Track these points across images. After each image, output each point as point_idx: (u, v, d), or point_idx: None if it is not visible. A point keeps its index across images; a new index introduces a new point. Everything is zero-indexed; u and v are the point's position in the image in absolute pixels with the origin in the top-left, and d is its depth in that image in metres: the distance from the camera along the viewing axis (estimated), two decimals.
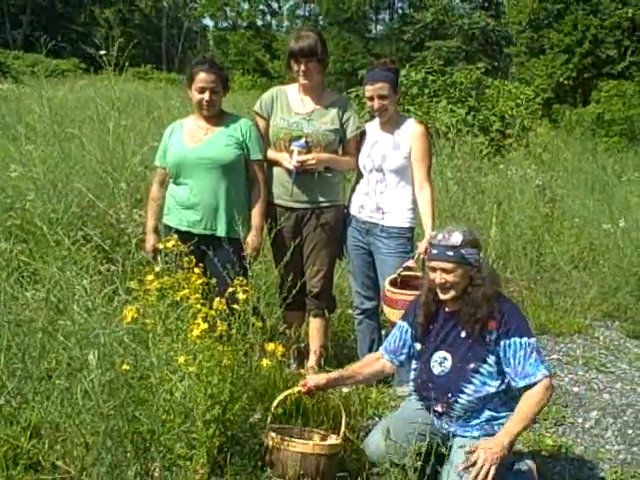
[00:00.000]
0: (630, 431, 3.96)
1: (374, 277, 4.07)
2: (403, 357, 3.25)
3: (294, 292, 3.61)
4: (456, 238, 2.98)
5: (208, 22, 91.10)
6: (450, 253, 2.97)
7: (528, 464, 3.08)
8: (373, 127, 4.09)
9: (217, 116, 3.96)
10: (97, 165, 5.46)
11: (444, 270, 2.98)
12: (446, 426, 3.04)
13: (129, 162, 5.41)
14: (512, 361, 2.90)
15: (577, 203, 7.52)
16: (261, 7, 56.83)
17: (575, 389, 4.49)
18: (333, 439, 3.17)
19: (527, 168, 8.27)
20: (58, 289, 3.42)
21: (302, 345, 4.15)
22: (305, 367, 3.87)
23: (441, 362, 3.06)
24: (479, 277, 2.99)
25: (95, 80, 11.59)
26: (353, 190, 4.16)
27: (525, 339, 2.91)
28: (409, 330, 3.22)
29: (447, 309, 3.09)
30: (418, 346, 3.18)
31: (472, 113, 10.84)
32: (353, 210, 4.08)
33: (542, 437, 3.79)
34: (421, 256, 3.83)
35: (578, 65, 25.04)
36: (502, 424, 2.91)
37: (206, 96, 3.85)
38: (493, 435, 2.88)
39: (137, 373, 2.83)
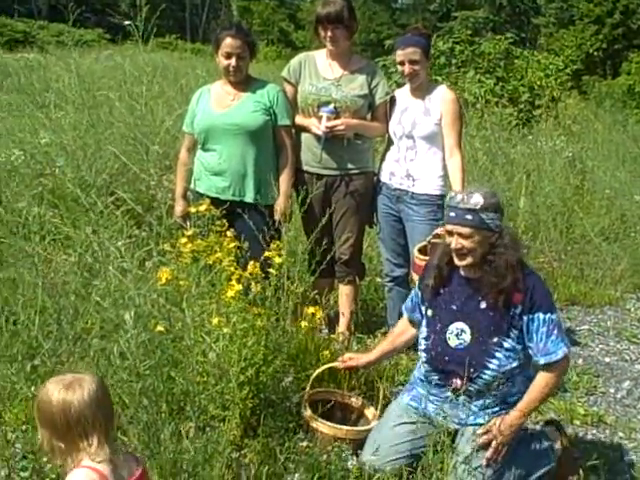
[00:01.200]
0: None
1: (404, 244, 4.05)
2: (418, 316, 3.15)
3: (324, 259, 3.61)
4: (476, 200, 2.81)
5: None
6: (469, 217, 2.81)
7: (549, 439, 3.06)
8: (403, 93, 4.04)
9: (244, 82, 3.93)
10: (126, 131, 5.46)
11: (461, 235, 2.83)
12: (455, 412, 2.88)
13: (158, 128, 5.40)
14: (535, 337, 2.81)
15: (608, 175, 7.41)
16: None
17: (607, 359, 4.46)
18: (370, 413, 3.20)
19: (557, 139, 8.15)
20: (90, 252, 3.44)
21: (332, 312, 4.17)
22: (336, 332, 3.88)
23: (458, 334, 2.92)
24: (501, 244, 2.83)
25: (120, 50, 11.61)
26: (383, 157, 4.13)
27: (548, 315, 2.80)
28: (419, 292, 3.14)
29: (462, 273, 2.94)
30: (430, 312, 3.05)
31: (501, 84, 10.67)
32: (383, 177, 4.05)
33: (574, 406, 3.77)
34: None
35: (608, 36, 24.61)
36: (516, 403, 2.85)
37: (232, 62, 3.82)
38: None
39: (171, 335, 2.86)
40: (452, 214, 2.86)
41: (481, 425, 2.84)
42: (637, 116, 12.93)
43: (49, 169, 5.24)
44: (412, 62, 3.82)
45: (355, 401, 3.30)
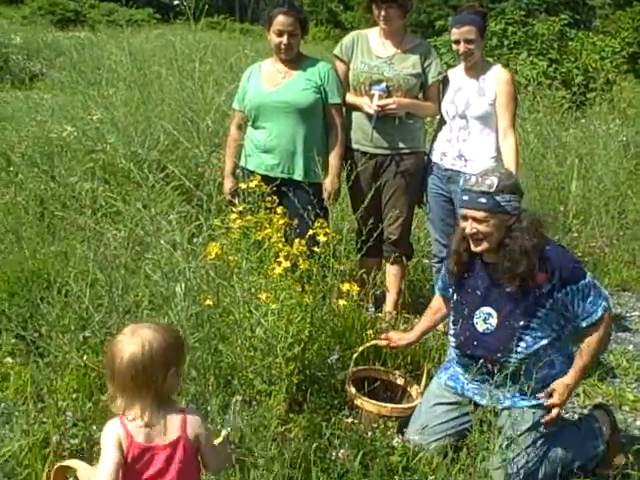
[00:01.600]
0: None
1: (453, 225, 4.01)
2: (450, 296, 3.08)
3: (372, 239, 3.60)
4: (491, 182, 2.70)
5: None
6: (483, 200, 2.71)
7: (598, 422, 3.03)
8: (456, 73, 3.99)
9: (295, 59, 3.92)
10: (177, 108, 5.51)
11: (475, 219, 2.73)
12: (490, 394, 2.76)
13: (208, 106, 5.44)
14: (571, 307, 2.75)
15: None
16: None
17: None
18: (415, 391, 3.20)
19: (611, 123, 7.96)
20: (141, 227, 3.49)
21: (378, 292, 4.16)
22: (383, 311, 3.88)
23: (485, 319, 2.86)
24: (517, 228, 2.73)
25: (170, 30, 11.69)
26: (435, 137, 4.09)
27: (581, 282, 2.73)
28: (445, 275, 3.08)
29: (484, 259, 2.86)
30: (455, 296, 3.00)
31: (554, 66, 10.48)
32: (435, 157, 4.01)
33: (623, 392, 3.72)
34: None
35: None
36: (556, 376, 2.81)
37: (284, 39, 3.81)
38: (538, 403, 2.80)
39: (220, 309, 2.88)
40: (465, 197, 2.78)
41: (522, 408, 2.80)
42: None
43: (100, 145, 5.32)
44: (467, 41, 3.76)
45: (400, 379, 3.30)
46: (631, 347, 4.33)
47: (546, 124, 7.25)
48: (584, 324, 2.77)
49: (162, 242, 2.89)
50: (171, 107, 5.67)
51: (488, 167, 3.16)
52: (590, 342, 2.78)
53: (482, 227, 2.73)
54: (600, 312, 2.74)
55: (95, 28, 15.58)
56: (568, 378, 2.78)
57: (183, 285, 2.69)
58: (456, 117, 3.89)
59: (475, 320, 2.88)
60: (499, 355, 2.78)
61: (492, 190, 2.70)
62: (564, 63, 10.63)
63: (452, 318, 3.01)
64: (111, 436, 1.89)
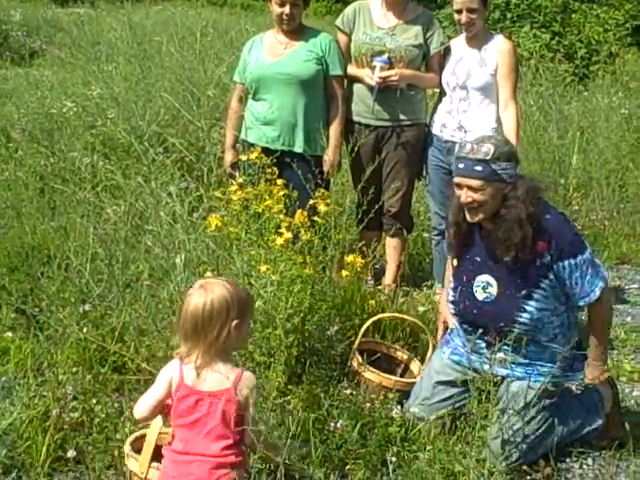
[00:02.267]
0: None
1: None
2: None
3: (372, 211, 3.60)
4: (486, 149, 2.64)
5: None
6: (478, 168, 2.64)
7: (601, 396, 3.04)
8: (458, 43, 3.96)
9: (297, 31, 3.90)
10: (177, 83, 5.48)
11: (470, 188, 2.66)
12: (492, 361, 2.72)
13: (208, 79, 5.41)
14: (568, 282, 2.70)
15: None
16: None
17: None
18: (416, 367, 3.21)
19: (613, 96, 7.91)
20: (141, 200, 3.50)
21: (378, 265, 4.16)
22: (382, 284, 3.88)
23: (485, 287, 2.81)
24: (513, 196, 2.66)
25: (170, 5, 11.61)
26: (435, 108, 4.06)
27: (579, 257, 2.68)
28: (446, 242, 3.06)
29: (484, 226, 2.80)
30: (455, 262, 2.95)
31: (557, 39, 10.37)
32: (435, 129, 3.99)
33: (620, 363, 3.74)
34: None
35: None
36: (555, 352, 2.76)
37: (286, 9, 3.78)
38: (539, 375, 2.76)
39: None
40: (461, 165, 2.70)
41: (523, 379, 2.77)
42: None
43: (100, 120, 5.31)
44: (470, 10, 3.72)
45: (401, 354, 3.31)
46: (629, 319, 4.34)
47: (548, 97, 7.20)
48: (581, 303, 2.75)
49: (162, 214, 2.88)
50: (171, 81, 5.65)
51: (484, 134, 3.11)
52: (594, 324, 2.84)
53: (477, 196, 2.66)
54: (598, 292, 2.71)
55: (95, 4, 15.45)
56: (592, 372, 2.87)
57: (183, 257, 2.69)
58: (457, 88, 3.87)
59: (474, 288, 2.84)
60: (502, 325, 2.72)
61: (488, 158, 2.64)
62: (567, 36, 10.52)
63: (452, 285, 2.96)
64: (166, 373, 2.10)
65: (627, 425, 2.96)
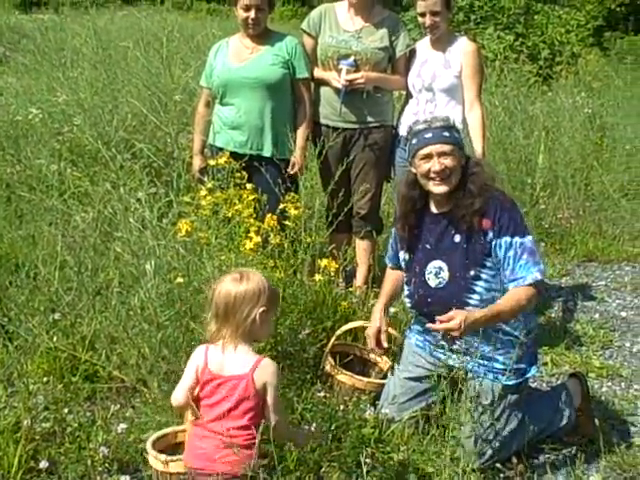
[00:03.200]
0: None
1: None
2: (400, 262, 3.00)
3: (342, 214, 3.61)
4: (446, 117, 2.71)
5: None
6: (446, 134, 2.67)
7: (570, 393, 3.06)
8: (423, 46, 3.99)
9: (262, 35, 3.90)
10: (143, 88, 5.45)
11: (443, 154, 2.66)
12: (448, 355, 2.72)
13: (175, 85, 5.39)
14: (502, 262, 2.67)
15: (628, 131, 7.32)
16: None
17: (623, 314, 4.46)
18: (385, 365, 3.22)
19: (576, 96, 8.04)
20: (110, 207, 3.47)
21: (348, 268, 4.17)
22: (353, 286, 3.90)
23: (437, 273, 2.78)
24: (472, 164, 2.74)
25: (135, 11, 11.53)
26: (402, 110, 4.09)
27: (517, 239, 2.64)
28: (397, 237, 3.00)
29: (434, 210, 2.81)
30: (407, 256, 2.92)
31: (520, 40, 10.54)
32: (402, 131, 4.01)
33: (589, 359, 3.80)
34: None
35: None
36: (513, 335, 2.70)
37: (251, 14, 3.78)
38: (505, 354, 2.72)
39: (191, 287, 2.88)
40: (428, 135, 2.70)
41: (499, 370, 2.74)
42: None
43: (67, 127, 5.26)
44: (433, 13, 3.75)
45: (374, 356, 3.32)
46: (597, 316, 4.42)
47: (513, 98, 7.30)
48: (511, 286, 2.67)
49: (131, 221, 2.87)
50: (138, 87, 5.61)
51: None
52: (510, 296, 2.64)
53: (449, 161, 2.68)
54: (529, 280, 2.63)
55: (59, 10, 15.29)
56: (477, 312, 2.59)
57: (153, 263, 2.68)
58: (423, 90, 3.90)
59: (427, 276, 2.81)
60: (454, 309, 2.63)
61: (450, 124, 2.72)
62: (530, 37, 10.69)
63: (405, 279, 2.94)
64: (193, 359, 2.26)
65: (597, 421, 3.02)
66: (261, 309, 2.20)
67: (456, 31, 10.73)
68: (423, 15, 3.79)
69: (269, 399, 2.22)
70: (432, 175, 2.71)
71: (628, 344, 4.06)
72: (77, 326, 3.22)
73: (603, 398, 3.46)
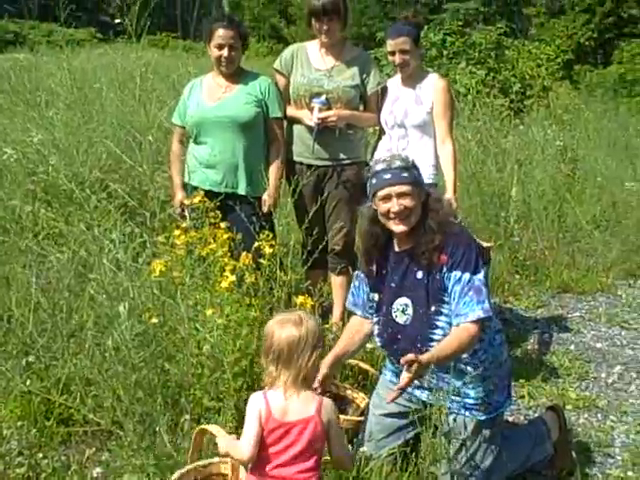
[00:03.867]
0: None
1: None
2: (372, 310, 2.93)
3: (317, 250, 3.63)
4: (405, 157, 2.73)
5: None
6: (405, 174, 2.69)
7: (548, 426, 3.07)
8: (394, 83, 4.06)
9: (236, 74, 3.94)
10: (118, 127, 5.47)
11: (402, 194, 2.67)
12: (421, 391, 2.75)
13: (150, 124, 5.41)
14: (450, 296, 2.66)
15: (599, 162, 7.44)
16: None
17: (598, 345, 4.50)
18: (362, 402, 3.20)
19: (548, 129, 8.18)
20: (85, 248, 3.46)
21: (325, 303, 4.18)
22: (330, 323, 3.90)
23: (403, 309, 2.78)
24: (432, 200, 2.75)
25: (111, 49, 11.59)
26: (375, 147, 4.14)
27: (467, 275, 2.62)
28: (365, 279, 2.94)
29: (397, 249, 2.81)
30: (376, 296, 2.89)
31: (492, 74, 10.71)
32: None
33: (566, 391, 3.82)
34: None
35: (599, 25, 24.55)
36: (483, 368, 2.69)
37: (225, 52, 3.83)
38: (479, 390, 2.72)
39: (166, 327, 2.87)
40: (387, 176, 2.71)
41: (472, 405, 2.73)
42: (628, 104, 12.95)
43: (42, 167, 5.25)
44: (402, 52, 3.83)
45: (351, 393, 3.31)
46: (572, 347, 4.45)
47: (486, 131, 7.41)
48: (455, 321, 2.64)
49: (105, 262, 2.86)
50: (113, 126, 5.63)
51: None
52: (453, 338, 2.61)
53: (408, 201, 2.68)
54: (471, 317, 2.59)
55: (35, 49, 15.33)
56: (424, 357, 2.48)
57: (127, 304, 2.67)
58: (395, 126, 3.95)
59: (394, 314, 2.81)
60: (419, 345, 2.69)
61: (409, 164, 2.73)
62: (502, 71, 10.87)
63: (375, 320, 2.92)
64: (254, 408, 2.21)
65: (574, 453, 3.03)
66: (319, 351, 2.25)
67: (429, 66, 10.95)
68: (393, 54, 3.86)
69: (335, 436, 2.28)
70: (391, 215, 2.72)
71: (604, 375, 4.09)
72: (51, 369, 3.19)
73: (580, 430, 3.48)
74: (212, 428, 2.38)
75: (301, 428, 2.19)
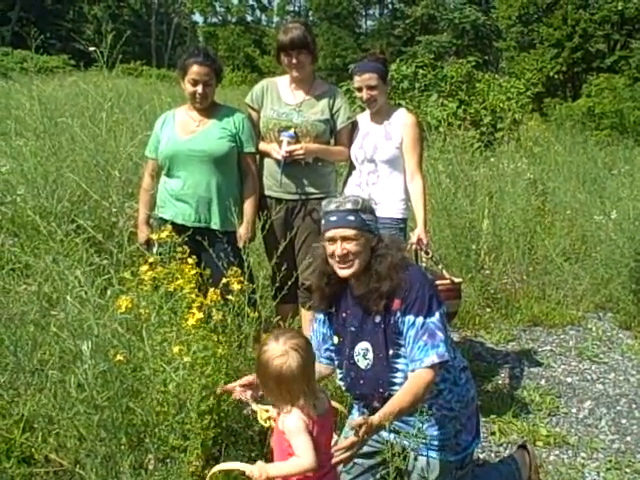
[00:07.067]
0: (624, 421, 3.98)
1: None
2: (328, 353, 2.91)
3: (287, 285, 3.60)
4: (355, 200, 2.68)
5: (197, 18, 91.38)
6: (351, 218, 2.65)
7: (518, 465, 3.05)
8: (364, 118, 4.09)
9: (209, 108, 3.94)
10: (88, 158, 5.42)
11: (346, 238, 2.64)
12: (388, 433, 2.60)
13: (120, 155, 5.37)
14: (404, 340, 2.63)
15: (568, 196, 7.52)
16: (250, 2, 56.95)
17: (569, 379, 4.50)
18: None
19: (518, 161, 8.27)
20: (50, 282, 3.40)
21: None
22: None
23: (364, 354, 2.75)
24: (382, 246, 2.69)
25: (85, 76, 11.56)
26: (345, 182, 4.15)
27: (420, 318, 2.58)
28: (326, 321, 2.91)
29: (355, 293, 2.77)
30: (335, 339, 2.87)
31: (463, 107, 10.84)
32: None
33: (536, 427, 3.81)
34: (413, 246, 3.83)
35: (568, 59, 25.12)
36: (448, 408, 2.70)
37: (199, 89, 3.82)
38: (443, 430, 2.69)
39: (131, 365, 2.81)
40: (333, 218, 2.69)
41: (439, 446, 2.70)
42: (596, 137, 13.17)
43: (9, 197, 5.17)
44: (370, 88, 3.87)
45: None
46: (543, 382, 4.44)
47: (457, 164, 7.47)
48: (410, 366, 2.62)
49: (68, 298, 2.80)
50: (82, 157, 5.57)
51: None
52: (408, 390, 2.56)
53: (352, 246, 2.65)
54: (426, 363, 2.56)
55: (7, 76, 15.26)
56: (376, 417, 2.44)
57: (91, 342, 2.61)
58: (365, 161, 3.96)
59: (356, 358, 2.78)
60: (381, 390, 2.69)
61: (358, 208, 2.68)
62: (473, 104, 11.00)
63: (337, 362, 2.89)
64: (299, 424, 2.32)
65: None
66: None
67: (401, 98, 11.06)
68: (360, 90, 3.90)
69: None
70: (336, 259, 2.69)
71: (574, 410, 4.09)
72: (13, 406, 3.11)
73: (551, 467, 3.46)
74: (228, 465, 2.49)
75: (328, 420, 2.46)
